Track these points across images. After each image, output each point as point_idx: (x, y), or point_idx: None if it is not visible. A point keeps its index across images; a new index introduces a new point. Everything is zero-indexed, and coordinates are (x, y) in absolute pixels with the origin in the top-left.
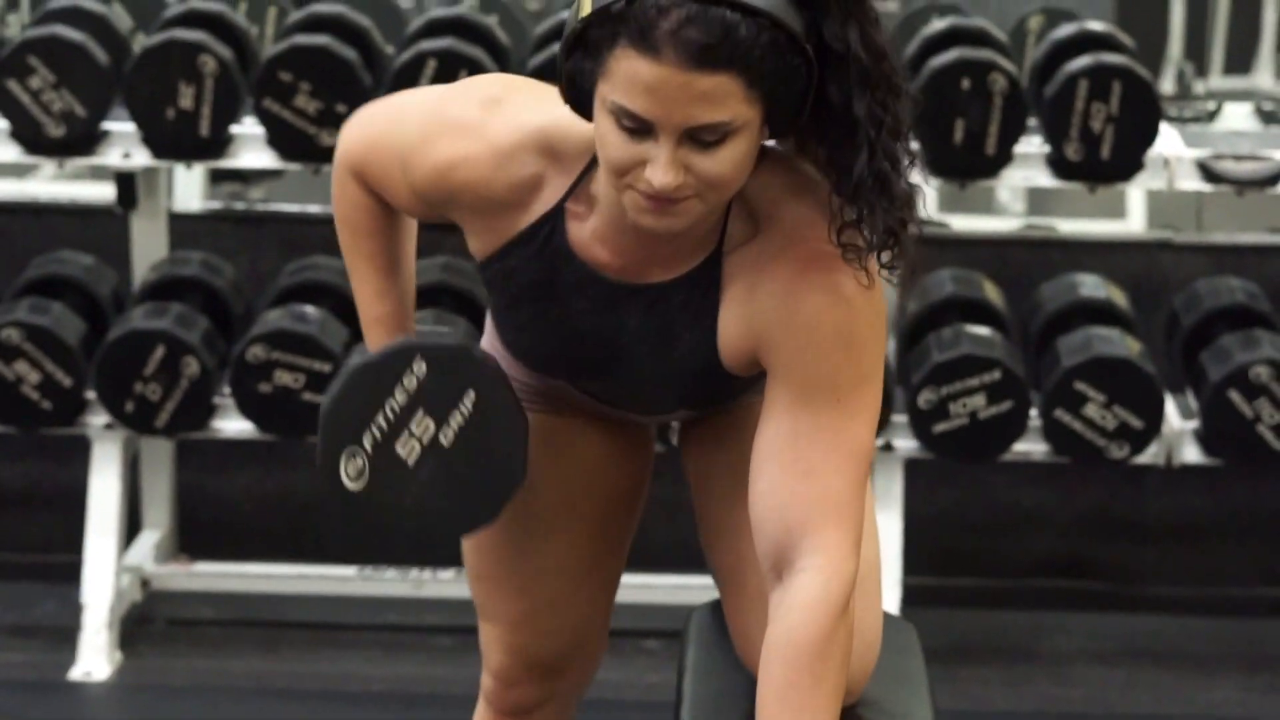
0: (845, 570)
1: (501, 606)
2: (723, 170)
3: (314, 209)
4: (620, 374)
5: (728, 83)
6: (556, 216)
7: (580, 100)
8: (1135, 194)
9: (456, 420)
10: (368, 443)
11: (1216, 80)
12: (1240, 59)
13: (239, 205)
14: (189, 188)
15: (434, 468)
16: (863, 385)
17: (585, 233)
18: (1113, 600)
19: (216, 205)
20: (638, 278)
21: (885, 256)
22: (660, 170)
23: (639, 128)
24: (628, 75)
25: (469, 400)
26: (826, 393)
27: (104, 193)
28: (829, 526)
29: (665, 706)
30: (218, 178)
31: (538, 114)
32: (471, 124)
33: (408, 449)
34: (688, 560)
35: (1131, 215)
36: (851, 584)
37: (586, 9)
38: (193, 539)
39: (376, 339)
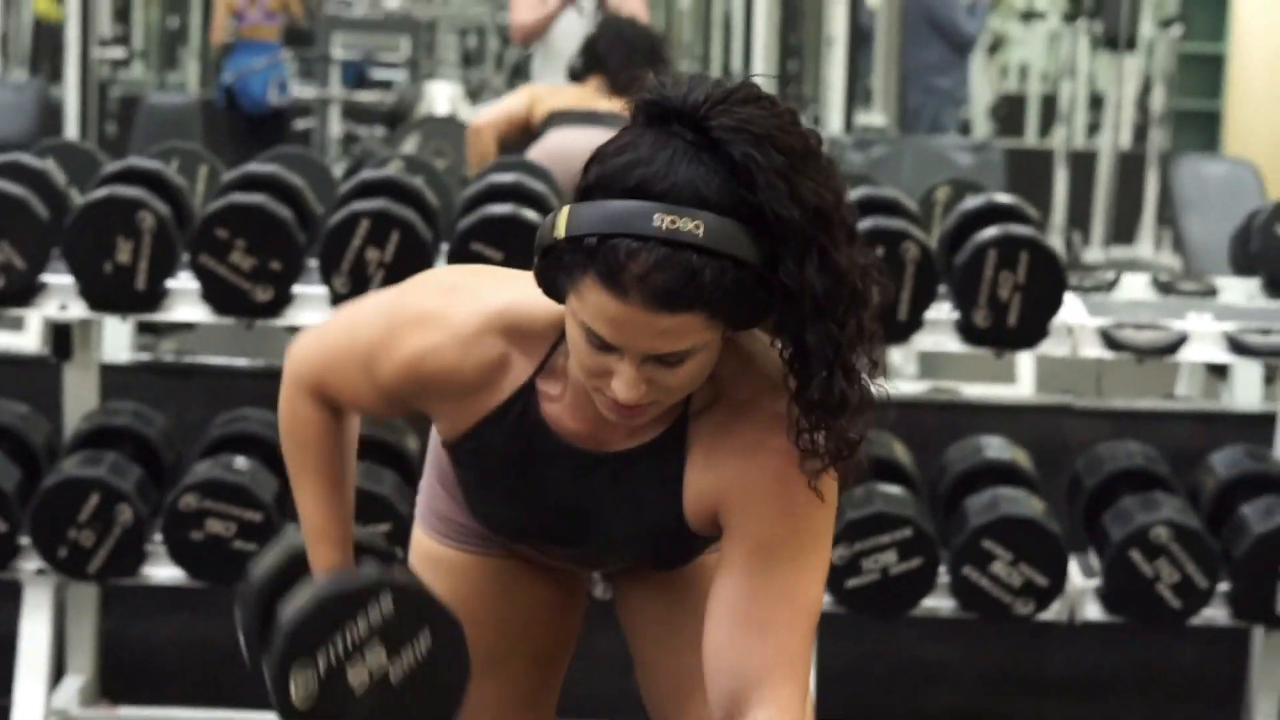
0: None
1: None
2: (684, 382)
3: (240, 362)
4: (589, 539)
5: (691, 319)
6: (528, 393)
7: (552, 292)
8: (1026, 360)
9: (408, 658)
10: (322, 665)
11: (1096, 251)
12: (1123, 230)
13: (168, 358)
14: (117, 339)
15: (378, 700)
16: (818, 543)
17: (557, 407)
18: None
19: (145, 357)
20: (608, 445)
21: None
22: (624, 387)
23: (605, 346)
24: (596, 305)
25: (424, 640)
26: (783, 550)
27: (26, 342)
28: (781, 680)
29: None
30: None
31: (497, 296)
32: (433, 313)
33: (359, 680)
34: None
35: (1022, 380)
36: None
37: (561, 231)
38: (115, 685)
39: (324, 556)
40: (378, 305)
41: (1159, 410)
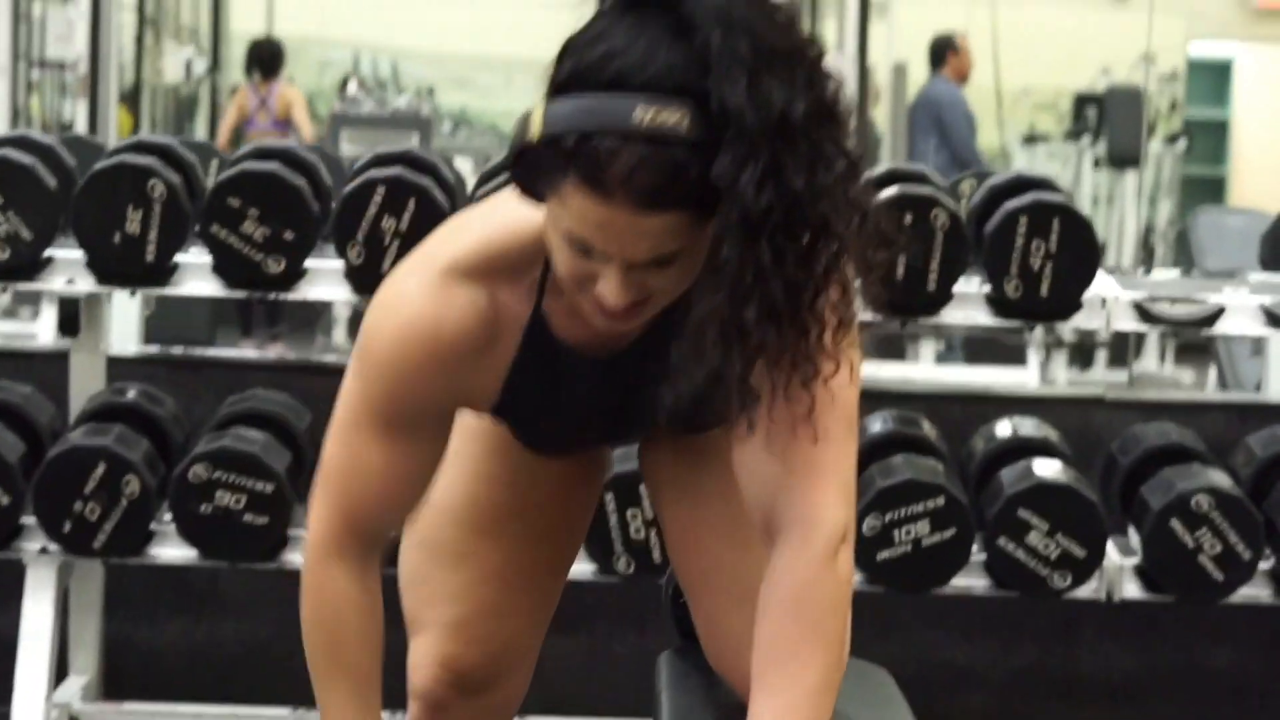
0: (826, 518)
1: (435, 611)
2: (673, 283)
3: (250, 354)
4: (631, 431)
5: (678, 218)
6: (539, 325)
7: (531, 194)
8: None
9: None
10: None
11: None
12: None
13: (176, 349)
14: (125, 328)
15: None
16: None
17: (569, 322)
18: None
19: (153, 350)
20: (625, 338)
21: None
22: (611, 292)
23: (590, 251)
24: (579, 209)
25: None
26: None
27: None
28: (808, 479)
29: None
30: None
31: (457, 243)
32: (393, 299)
33: None
34: (622, 706)
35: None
36: (836, 531)
37: (536, 132)
38: (118, 688)
39: None
40: (350, 367)
41: (1192, 401)
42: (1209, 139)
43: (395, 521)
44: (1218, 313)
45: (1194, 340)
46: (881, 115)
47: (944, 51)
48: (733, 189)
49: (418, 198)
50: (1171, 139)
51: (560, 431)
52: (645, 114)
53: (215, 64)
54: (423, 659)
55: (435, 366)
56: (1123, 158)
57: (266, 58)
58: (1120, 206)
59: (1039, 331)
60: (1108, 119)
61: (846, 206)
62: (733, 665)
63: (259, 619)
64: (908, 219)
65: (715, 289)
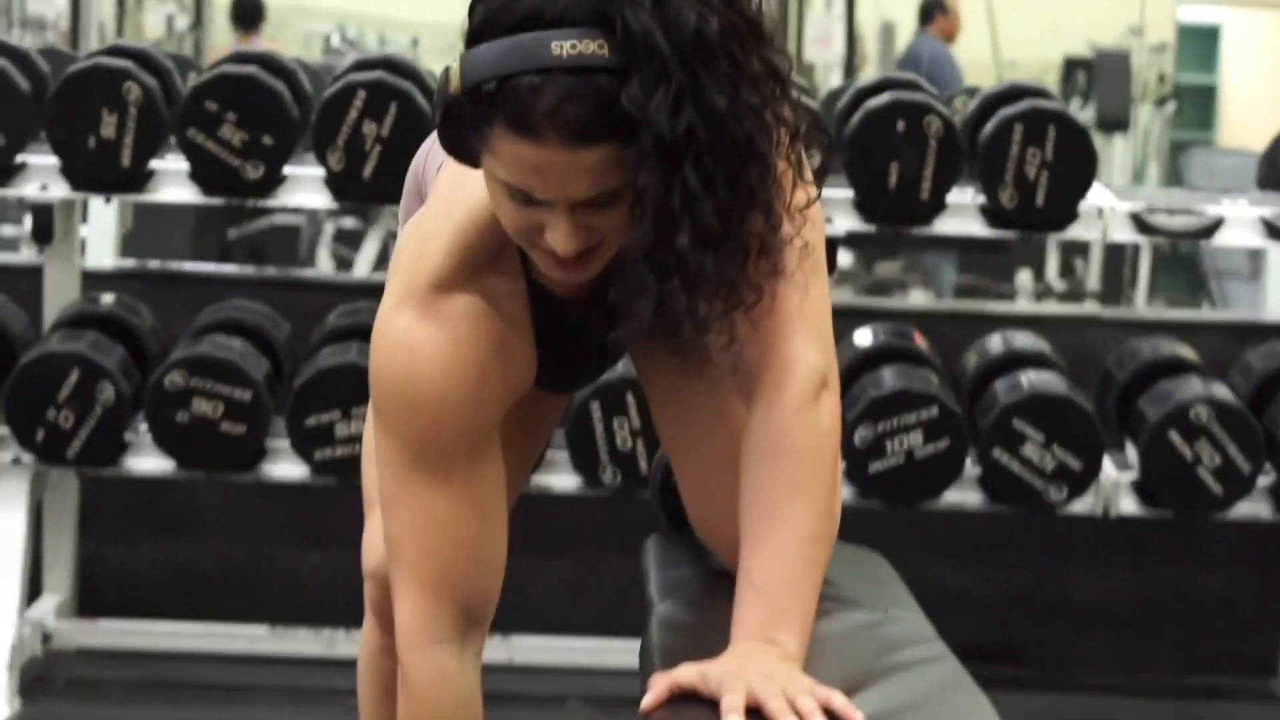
0: (800, 365)
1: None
2: (622, 223)
3: (229, 269)
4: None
5: (612, 151)
6: (535, 291)
7: (465, 156)
8: None
9: None
10: None
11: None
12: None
13: (153, 263)
14: (101, 244)
15: None
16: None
17: (554, 284)
18: (1044, 684)
19: (129, 264)
20: (605, 281)
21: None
22: (562, 241)
23: (531, 199)
24: (511, 155)
25: None
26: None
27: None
28: (778, 332)
29: None
30: None
31: (429, 259)
32: (394, 343)
33: None
34: (607, 626)
35: None
36: (812, 377)
37: (456, 83)
38: (93, 606)
39: None
40: (376, 434)
41: (1189, 320)
42: (1198, 104)
43: (489, 585)
44: (1216, 224)
45: (1184, 300)
46: (870, 74)
47: (933, 10)
48: (644, 113)
49: (399, 102)
50: (1160, 101)
51: (581, 372)
52: (562, 46)
53: (198, 20)
54: (378, 536)
55: (473, 377)
56: (1111, 122)
57: (249, 11)
58: (1109, 172)
59: (1029, 281)
60: (1096, 83)
61: (777, 124)
62: (719, 531)
63: (235, 537)
64: (900, 126)
65: (642, 218)
